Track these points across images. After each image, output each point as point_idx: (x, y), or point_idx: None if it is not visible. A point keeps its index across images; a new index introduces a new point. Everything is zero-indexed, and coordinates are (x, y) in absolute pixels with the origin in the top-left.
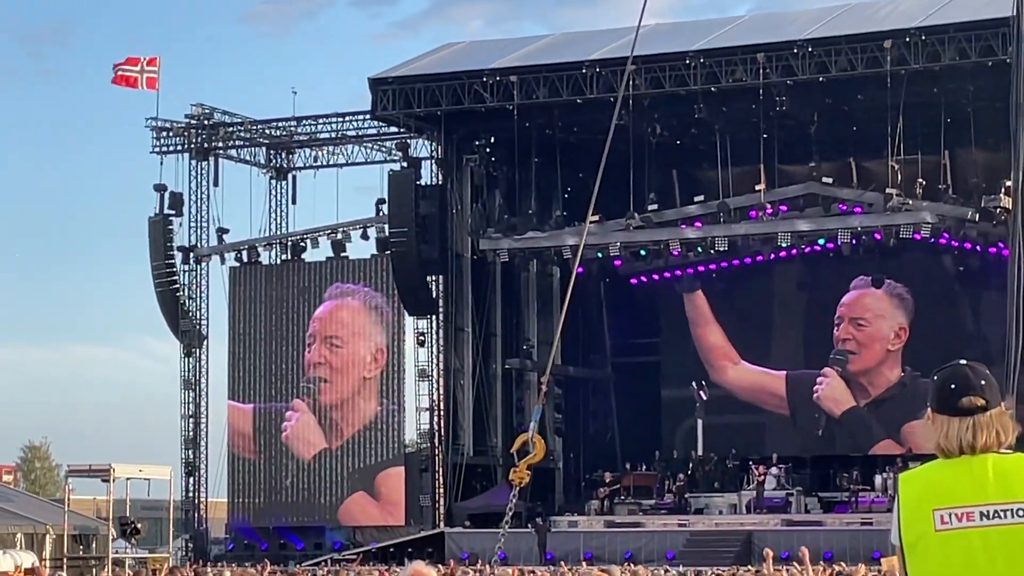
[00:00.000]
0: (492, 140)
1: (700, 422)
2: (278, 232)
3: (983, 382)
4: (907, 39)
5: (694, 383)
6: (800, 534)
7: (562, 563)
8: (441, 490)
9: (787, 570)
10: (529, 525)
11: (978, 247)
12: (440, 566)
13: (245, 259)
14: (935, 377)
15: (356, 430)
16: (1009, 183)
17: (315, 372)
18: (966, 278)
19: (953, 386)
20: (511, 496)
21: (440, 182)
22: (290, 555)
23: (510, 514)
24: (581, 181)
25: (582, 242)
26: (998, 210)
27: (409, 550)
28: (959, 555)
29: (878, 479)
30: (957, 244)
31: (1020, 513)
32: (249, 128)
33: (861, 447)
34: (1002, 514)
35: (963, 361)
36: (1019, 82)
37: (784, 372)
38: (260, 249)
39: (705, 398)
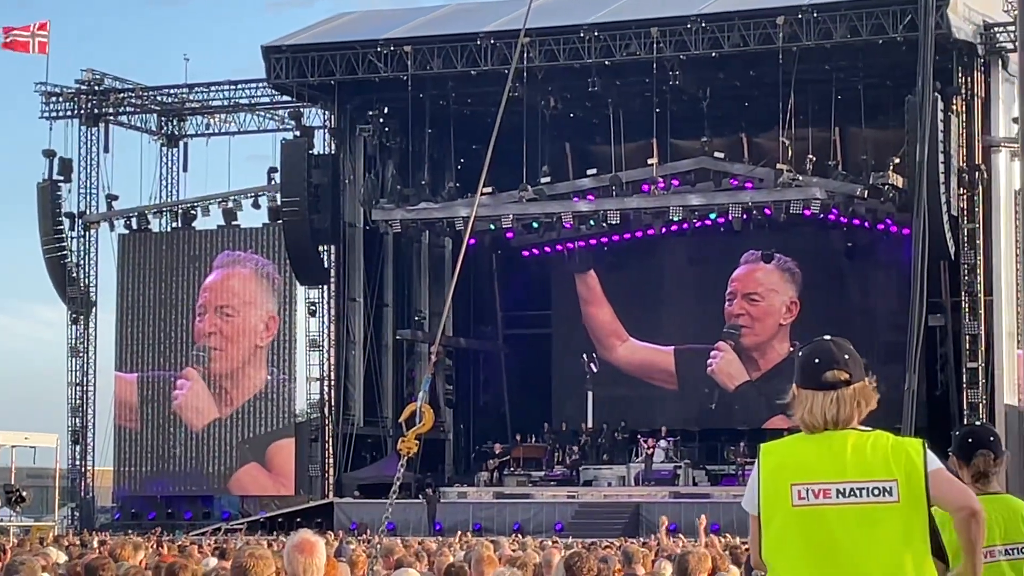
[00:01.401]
0: (386, 110)
1: (590, 394)
2: (169, 200)
3: (847, 356)
4: (799, 16)
5: (584, 355)
6: (688, 506)
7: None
8: (331, 460)
9: (679, 541)
10: (419, 496)
11: (866, 223)
12: (328, 536)
13: (135, 226)
14: (799, 353)
15: (246, 399)
16: (897, 160)
17: (207, 341)
18: (854, 254)
19: (817, 360)
20: (399, 466)
21: (333, 152)
22: (178, 524)
23: (397, 484)
24: (474, 153)
25: (472, 214)
26: (886, 187)
27: (298, 520)
28: (814, 530)
29: None
30: (846, 220)
31: (876, 492)
32: (140, 95)
33: (753, 421)
34: (858, 492)
35: (827, 337)
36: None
37: (672, 347)
38: (150, 216)
39: (596, 370)
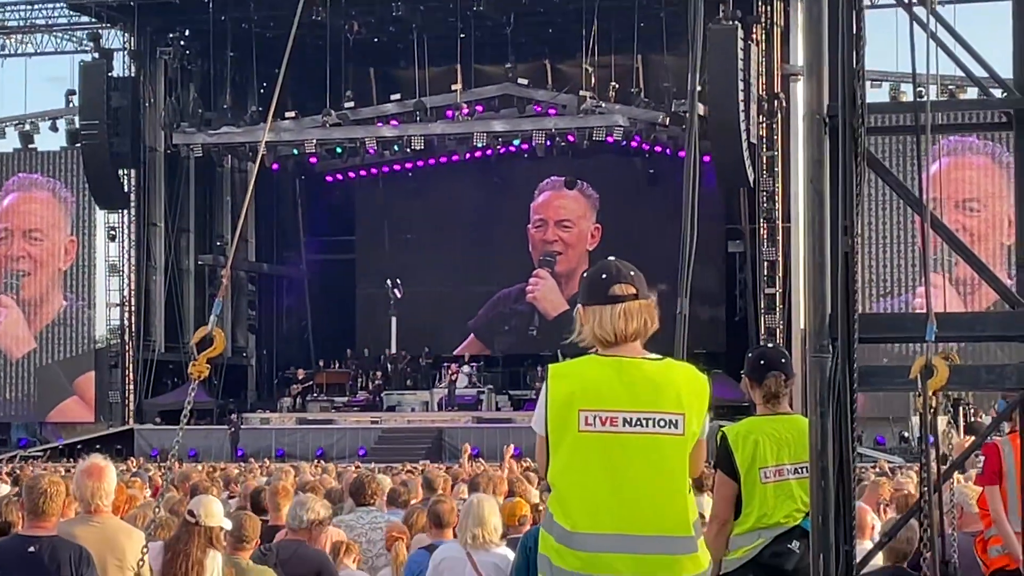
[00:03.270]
0: (187, 33)
1: (394, 320)
2: None
3: (632, 273)
4: None
5: (388, 281)
6: (490, 431)
7: (252, 459)
8: (131, 386)
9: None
10: (221, 422)
11: (668, 150)
12: (130, 462)
13: None
14: (584, 275)
15: (46, 324)
16: (699, 88)
17: (16, 267)
18: (655, 180)
19: (604, 276)
20: (189, 390)
21: (133, 74)
22: None
23: (188, 408)
24: (277, 76)
25: (263, 140)
26: (687, 114)
27: (98, 447)
28: (599, 456)
29: None
30: (648, 147)
31: (663, 424)
32: None
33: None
34: (645, 423)
35: (611, 258)
36: None
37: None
38: None
39: (400, 296)
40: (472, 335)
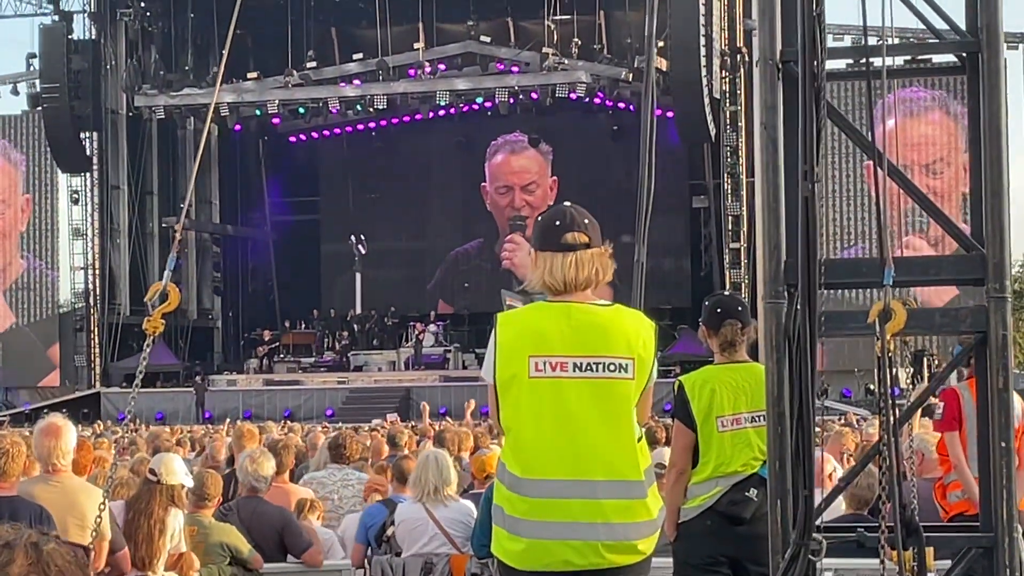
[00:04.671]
0: None
1: (359, 276)
2: None
3: (586, 221)
4: None
5: (352, 237)
6: (457, 390)
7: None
8: (97, 350)
9: (446, 423)
10: (187, 384)
11: (631, 107)
12: (96, 425)
13: None
14: (539, 218)
15: (7, 288)
16: (661, 44)
17: None
18: (619, 136)
19: (557, 223)
20: (145, 346)
21: (94, 37)
22: None
23: (143, 365)
24: (239, 38)
25: (212, 102)
26: (644, 65)
27: (64, 411)
28: (550, 401)
29: None
30: (611, 104)
31: (612, 367)
32: None
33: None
34: (594, 367)
35: (567, 203)
36: None
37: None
38: None
39: (364, 252)
40: (440, 300)
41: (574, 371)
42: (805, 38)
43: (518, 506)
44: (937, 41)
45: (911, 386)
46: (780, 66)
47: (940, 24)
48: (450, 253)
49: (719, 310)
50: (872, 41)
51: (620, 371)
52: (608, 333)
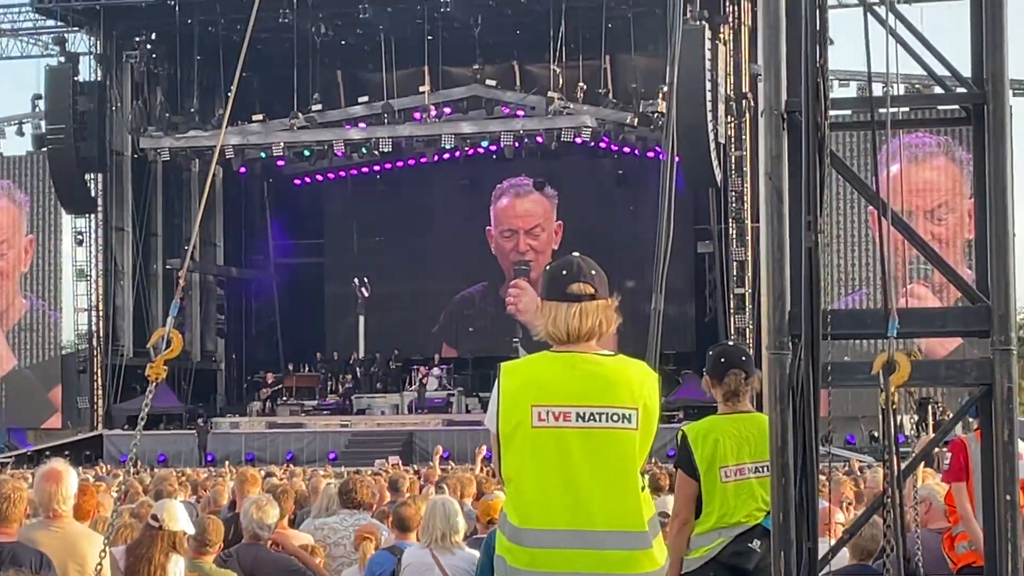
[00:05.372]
0: (153, 36)
1: (362, 319)
2: None
3: (593, 272)
4: None
5: (356, 279)
6: (460, 433)
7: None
8: (100, 392)
9: (451, 467)
10: (189, 426)
11: (636, 151)
12: (99, 467)
13: None
14: (547, 267)
15: (9, 329)
16: (666, 88)
17: None
18: (624, 181)
19: (564, 272)
20: (147, 392)
21: (99, 78)
22: None
23: (145, 411)
24: (244, 80)
25: (218, 144)
26: (655, 115)
27: (66, 453)
28: (553, 452)
29: None
30: (616, 148)
31: (615, 418)
32: None
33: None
34: (598, 417)
35: (576, 253)
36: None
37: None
38: None
39: (367, 294)
40: (444, 344)
41: (577, 421)
42: (809, 89)
43: (520, 557)
44: (942, 92)
45: (916, 434)
46: (785, 116)
47: (944, 71)
48: (455, 297)
49: (723, 360)
50: (877, 88)
51: (624, 421)
52: (612, 383)
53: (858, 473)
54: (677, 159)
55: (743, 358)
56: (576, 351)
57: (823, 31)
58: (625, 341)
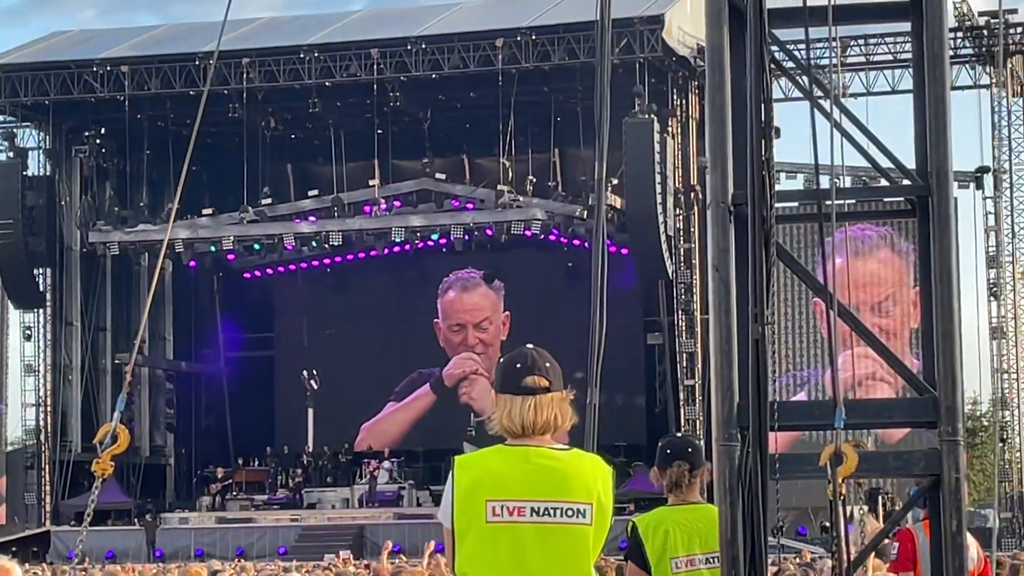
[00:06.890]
0: (103, 131)
1: (311, 412)
2: None
3: (547, 364)
4: (518, 39)
5: (304, 372)
6: (411, 527)
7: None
8: (47, 488)
9: (400, 562)
10: (137, 522)
11: (586, 243)
12: (44, 565)
13: None
14: (501, 360)
15: None
16: (615, 181)
17: None
18: (574, 273)
19: (518, 366)
20: (93, 488)
21: (48, 173)
22: None
23: (91, 507)
24: (194, 174)
25: (167, 238)
26: (594, 202)
27: (13, 549)
28: (507, 546)
29: None
30: (566, 240)
31: (570, 512)
32: None
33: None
34: (552, 512)
35: (530, 345)
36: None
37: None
38: None
39: (316, 387)
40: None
41: (532, 516)
42: (755, 182)
43: None
44: (887, 184)
45: (863, 523)
46: (732, 209)
47: (889, 164)
48: (419, 370)
49: (668, 452)
50: (824, 181)
51: (578, 516)
52: (567, 478)
53: (809, 565)
54: (625, 251)
55: (689, 449)
56: (531, 445)
57: (768, 125)
58: (574, 433)
